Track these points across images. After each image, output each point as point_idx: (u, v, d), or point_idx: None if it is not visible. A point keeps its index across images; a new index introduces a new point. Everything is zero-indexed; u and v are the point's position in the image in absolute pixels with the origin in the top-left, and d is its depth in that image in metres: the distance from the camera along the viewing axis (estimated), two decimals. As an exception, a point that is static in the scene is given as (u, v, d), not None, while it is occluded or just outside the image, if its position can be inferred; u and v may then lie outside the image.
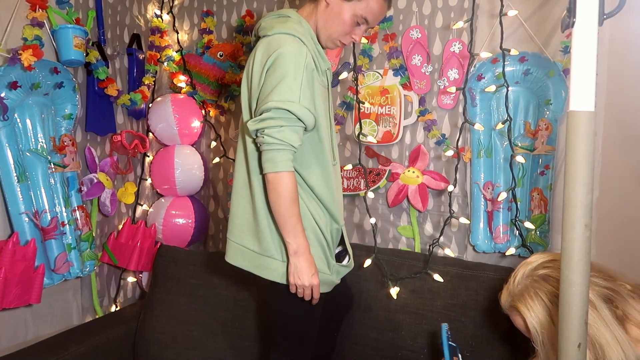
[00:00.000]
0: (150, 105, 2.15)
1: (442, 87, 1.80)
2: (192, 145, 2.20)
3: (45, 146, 1.60)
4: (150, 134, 2.18)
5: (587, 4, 0.77)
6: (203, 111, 2.15)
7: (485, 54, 1.65)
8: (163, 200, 2.17)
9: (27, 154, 1.56)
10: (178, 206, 2.12)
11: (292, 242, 1.24)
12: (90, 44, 1.79)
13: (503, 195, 1.67)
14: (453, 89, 1.73)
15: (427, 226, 1.89)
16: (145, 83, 2.09)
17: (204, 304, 1.86)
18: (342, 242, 1.45)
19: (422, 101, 1.84)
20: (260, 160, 1.24)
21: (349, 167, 1.79)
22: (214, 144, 2.17)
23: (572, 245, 0.80)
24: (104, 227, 1.98)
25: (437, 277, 1.62)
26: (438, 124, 1.84)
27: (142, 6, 2.15)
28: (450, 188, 1.70)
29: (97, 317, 1.91)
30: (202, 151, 2.22)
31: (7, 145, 1.49)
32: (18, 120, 1.54)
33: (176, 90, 2.20)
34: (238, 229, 1.35)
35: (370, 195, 1.79)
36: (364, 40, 1.86)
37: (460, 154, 1.74)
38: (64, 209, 1.65)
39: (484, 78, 1.71)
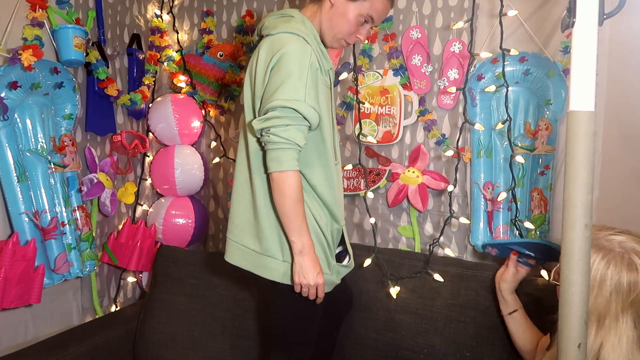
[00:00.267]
0: (150, 105, 2.15)
1: (442, 87, 1.80)
2: (192, 145, 2.20)
3: (45, 146, 1.60)
4: (150, 134, 2.18)
5: (587, 4, 0.77)
6: (203, 111, 2.15)
7: (485, 54, 1.65)
8: (163, 200, 2.17)
9: (27, 154, 1.56)
10: (178, 206, 2.12)
11: (297, 242, 1.24)
12: (90, 44, 1.78)
13: (503, 195, 1.67)
14: (453, 89, 1.73)
15: (427, 226, 1.89)
16: (145, 83, 2.09)
17: (204, 304, 1.86)
18: (342, 242, 1.44)
19: (422, 101, 1.84)
20: (264, 159, 1.24)
21: (349, 167, 1.79)
22: (214, 144, 2.17)
23: (572, 245, 0.80)
24: (104, 227, 1.98)
25: (437, 277, 1.62)
26: (438, 124, 1.84)
27: (142, 6, 2.15)
28: (450, 188, 1.70)
29: (97, 317, 1.91)
30: (202, 151, 2.22)
31: (7, 145, 1.49)
32: (18, 120, 1.54)
33: (176, 90, 2.20)
34: (238, 229, 1.35)
35: (370, 195, 1.79)
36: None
37: (460, 154, 1.74)
38: (64, 209, 1.65)
39: (484, 78, 1.71)
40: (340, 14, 1.30)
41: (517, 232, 1.68)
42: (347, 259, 1.46)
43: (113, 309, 2.03)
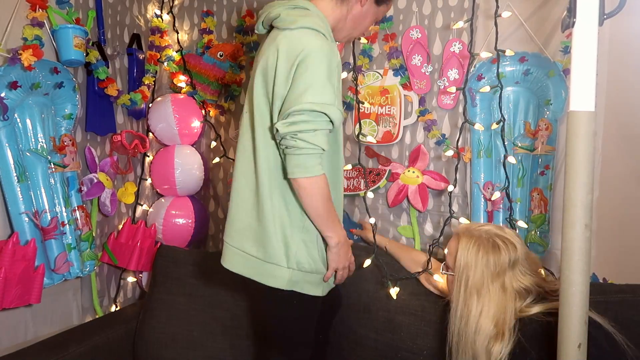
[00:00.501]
0: (150, 105, 2.15)
1: (442, 87, 1.80)
2: (192, 145, 2.20)
3: (45, 146, 1.60)
4: (150, 134, 2.18)
5: (587, 4, 0.77)
6: (203, 111, 2.15)
7: (485, 54, 1.65)
8: (163, 200, 2.17)
9: (27, 154, 1.56)
10: (178, 206, 2.12)
11: (333, 236, 1.27)
12: (90, 44, 1.78)
13: (497, 195, 1.67)
14: (453, 89, 1.73)
15: (427, 226, 1.89)
16: (145, 83, 2.09)
17: (204, 304, 1.86)
18: None
19: (422, 101, 1.84)
20: (282, 163, 1.20)
21: (349, 167, 1.79)
22: (214, 144, 2.16)
23: (572, 245, 0.80)
24: (104, 227, 1.98)
25: (437, 277, 1.62)
26: (438, 124, 1.84)
27: (142, 6, 2.15)
28: (450, 188, 1.70)
29: (97, 317, 1.91)
30: (202, 151, 2.22)
31: (7, 145, 1.49)
32: (18, 120, 1.54)
33: (176, 90, 2.20)
34: (239, 234, 1.30)
35: (370, 195, 1.79)
36: (363, 40, 1.86)
37: (460, 154, 1.74)
38: (64, 209, 1.65)
39: (484, 78, 1.71)
40: (364, 16, 1.32)
41: (516, 231, 1.68)
42: None
43: (113, 309, 2.03)
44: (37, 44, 1.52)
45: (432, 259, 1.61)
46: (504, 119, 1.61)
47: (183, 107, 2.10)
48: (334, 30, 1.30)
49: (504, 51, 1.58)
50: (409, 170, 1.86)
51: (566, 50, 1.63)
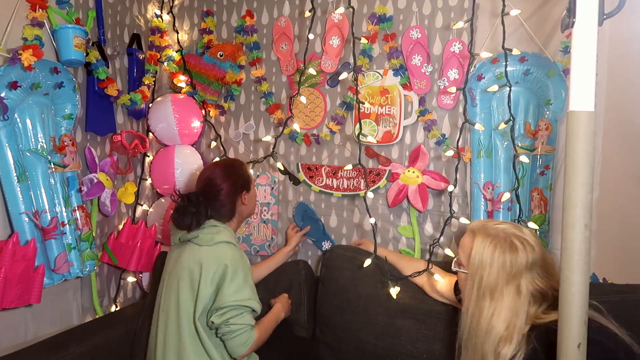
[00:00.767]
0: (150, 105, 2.15)
1: (442, 87, 1.80)
2: (192, 145, 2.20)
3: (45, 146, 1.60)
4: (150, 134, 2.18)
5: (587, 4, 0.77)
6: (203, 111, 2.15)
7: (485, 54, 1.65)
8: (163, 200, 2.17)
9: (27, 154, 1.56)
10: (178, 206, 2.12)
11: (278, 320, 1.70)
12: (90, 44, 1.78)
13: (506, 196, 1.67)
14: (453, 89, 1.73)
15: (427, 226, 1.89)
16: (145, 83, 2.09)
17: (204, 304, 1.86)
18: None
19: (422, 101, 1.84)
20: (226, 345, 1.50)
21: (349, 167, 1.79)
22: (214, 144, 2.17)
23: (572, 245, 0.80)
24: (104, 227, 1.98)
25: (437, 277, 1.62)
26: (438, 124, 1.84)
27: (142, 6, 2.15)
28: (450, 188, 1.70)
29: (97, 317, 1.91)
30: (202, 151, 2.22)
31: (7, 145, 1.49)
32: (18, 120, 1.54)
33: (176, 90, 2.20)
34: None
35: (370, 195, 1.79)
36: (364, 41, 1.86)
37: (460, 154, 1.74)
38: (64, 208, 1.65)
39: (484, 78, 1.71)
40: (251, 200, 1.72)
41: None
42: None
43: (113, 309, 2.03)
44: (37, 44, 1.52)
45: (431, 264, 1.62)
46: (514, 118, 1.61)
47: (183, 107, 2.10)
48: (236, 226, 1.68)
49: (511, 50, 1.57)
50: (409, 170, 1.86)
51: (566, 50, 1.63)
